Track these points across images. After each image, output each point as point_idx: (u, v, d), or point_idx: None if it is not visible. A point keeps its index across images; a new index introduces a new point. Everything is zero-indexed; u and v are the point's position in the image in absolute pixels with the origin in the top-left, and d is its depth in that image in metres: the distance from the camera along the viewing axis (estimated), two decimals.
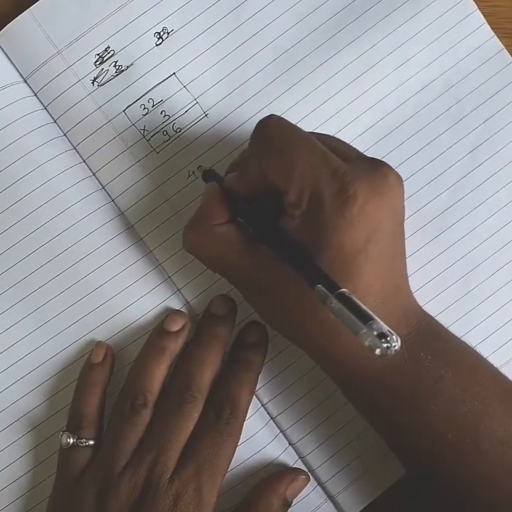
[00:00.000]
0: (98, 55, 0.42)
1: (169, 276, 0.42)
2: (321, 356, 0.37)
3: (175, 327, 0.40)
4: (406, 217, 0.36)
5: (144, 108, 0.42)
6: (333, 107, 0.43)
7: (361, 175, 0.34)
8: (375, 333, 0.27)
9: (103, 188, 0.42)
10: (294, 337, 0.38)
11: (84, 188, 0.42)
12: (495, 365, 0.37)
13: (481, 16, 0.43)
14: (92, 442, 0.39)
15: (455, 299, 0.43)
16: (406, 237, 0.37)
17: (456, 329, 0.38)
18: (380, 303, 0.34)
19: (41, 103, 0.42)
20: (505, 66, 0.43)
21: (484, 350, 0.41)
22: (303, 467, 0.42)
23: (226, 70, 0.43)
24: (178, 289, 0.42)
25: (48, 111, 0.42)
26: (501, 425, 0.35)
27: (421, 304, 0.37)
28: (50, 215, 0.41)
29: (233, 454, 0.39)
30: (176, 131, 0.43)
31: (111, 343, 0.41)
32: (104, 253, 0.41)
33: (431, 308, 0.38)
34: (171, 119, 0.42)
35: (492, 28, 0.43)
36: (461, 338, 0.37)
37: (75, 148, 0.42)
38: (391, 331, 0.27)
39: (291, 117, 0.42)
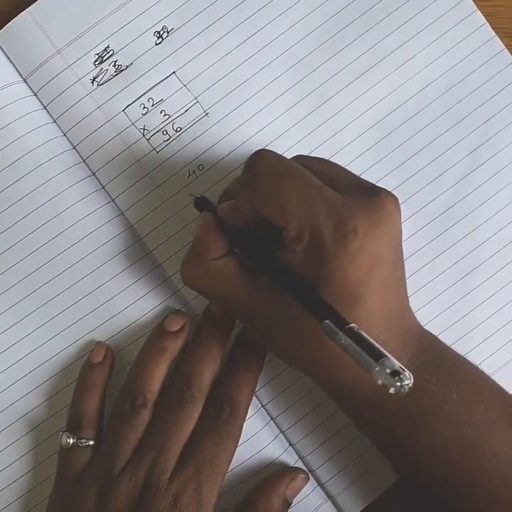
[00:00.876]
0: (97, 54, 0.42)
1: (169, 277, 0.42)
2: (326, 383, 0.37)
3: (175, 327, 0.40)
4: (406, 218, 0.36)
5: (144, 107, 0.42)
6: (334, 107, 0.43)
7: (359, 207, 0.33)
8: (388, 370, 0.27)
9: (103, 188, 0.42)
10: (297, 366, 0.38)
11: (84, 188, 0.42)
12: (497, 382, 0.37)
13: (482, 16, 0.43)
14: (91, 442, 0.39)
15: (455, 299, 0.42)
16: (406, 238, 0.37)
17: (457, 330, 0.38)
18: (384, 330, 0.34)
19: (41, 103, 0.42)
20: (505, 66, 0.43)
21: (484, 350, 0.41)
22: (303, 468, 0.42)
23: (226, 68, 0.42)
24: (178, 289, 0.42)
25: (47, 110, 0.42)
26: (506, 445, 0.35)
27: (421, 306, 0.37)
28: (50, 215, 0.41)
29: (233, 454, 0.39)
30: (176, 131, 0.42)
31: (111, 343, 0.41)
32: (104, 253, 0.41)
33: (431, 310, 0.38)
34: (171, 118, 0.42)
35: (492, 28, 0.43)
36: (462, 338, 0.37)
37: (74, 148, 0.42)
38: (403, 367, 0.27)
39: (292, 117, 0.42)
